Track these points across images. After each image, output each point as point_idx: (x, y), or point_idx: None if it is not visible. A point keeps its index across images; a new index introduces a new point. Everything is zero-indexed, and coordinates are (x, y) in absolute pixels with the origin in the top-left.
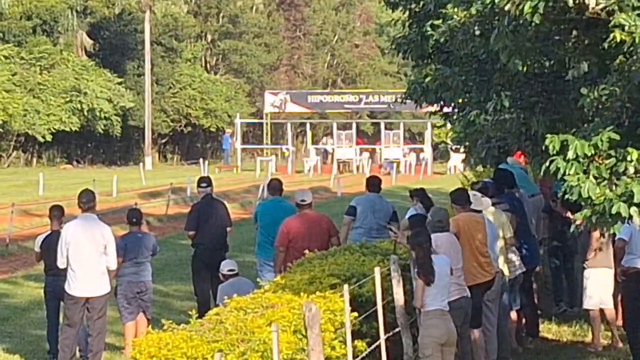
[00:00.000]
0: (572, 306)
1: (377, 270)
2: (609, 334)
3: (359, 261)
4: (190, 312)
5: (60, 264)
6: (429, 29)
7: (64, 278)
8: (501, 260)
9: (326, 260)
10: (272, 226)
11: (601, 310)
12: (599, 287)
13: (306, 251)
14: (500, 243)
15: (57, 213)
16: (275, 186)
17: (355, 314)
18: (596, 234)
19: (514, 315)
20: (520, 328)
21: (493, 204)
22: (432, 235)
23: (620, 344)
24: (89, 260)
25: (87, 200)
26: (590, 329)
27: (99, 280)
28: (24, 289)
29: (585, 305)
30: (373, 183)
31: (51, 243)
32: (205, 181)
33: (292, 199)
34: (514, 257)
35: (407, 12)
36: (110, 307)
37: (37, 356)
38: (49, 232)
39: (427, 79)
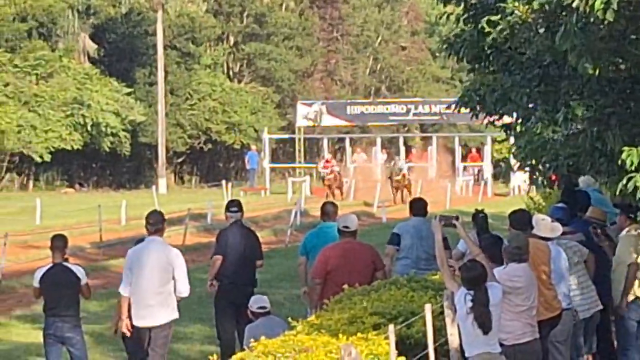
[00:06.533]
0: None
1: (427, 307)
2: None
3: (407, 297)
4: (210, 358)
5: (124, 291)
6: (485, 25)
7: (67, 319)
8: (576, 296)
9: (369, 297)
10: None
11: None
12: None
13: (345, 286)
14: (574, 276)
15: (60, 244)
16: (329, 211)
17: (403, 358)
18: None
19: None
20: None
21: (564, 233)
22: (509, 266)
23: None
24: (150, 286)
25: (154, 222)
26: None
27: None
28: (19, 331)
29: None
30: (418, 206)
31: (53, 278)
32: (235, 205)
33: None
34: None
35: (463, 5)
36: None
37: None
38: (49, 265)
39: (484, 89)
